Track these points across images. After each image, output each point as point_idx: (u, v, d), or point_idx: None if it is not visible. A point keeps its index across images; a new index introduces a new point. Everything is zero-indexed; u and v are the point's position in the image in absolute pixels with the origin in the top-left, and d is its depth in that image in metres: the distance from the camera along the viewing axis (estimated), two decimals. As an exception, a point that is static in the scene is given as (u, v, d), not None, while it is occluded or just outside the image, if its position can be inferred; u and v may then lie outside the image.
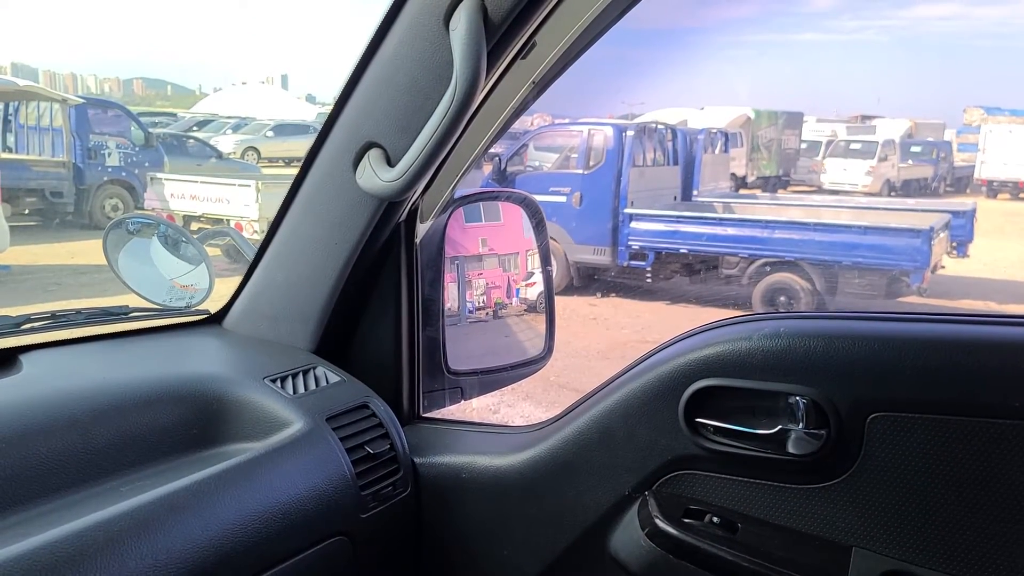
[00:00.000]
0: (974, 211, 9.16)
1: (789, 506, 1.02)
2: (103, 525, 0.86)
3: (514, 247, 1.59)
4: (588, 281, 9.44)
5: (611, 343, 7.18)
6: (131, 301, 1.44)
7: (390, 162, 1.11)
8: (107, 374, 1.16)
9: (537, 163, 9.87)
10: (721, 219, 9.32)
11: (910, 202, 12.40)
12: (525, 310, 1.60)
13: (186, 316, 1.44)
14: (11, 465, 0.92)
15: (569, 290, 9.18)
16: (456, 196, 1.35)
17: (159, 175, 11.20)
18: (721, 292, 8.78)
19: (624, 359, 1.21)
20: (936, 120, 28.19)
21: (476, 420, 1.46)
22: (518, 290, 1.59)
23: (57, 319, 1.26)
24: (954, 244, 8.85)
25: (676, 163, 10.43)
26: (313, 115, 30.89)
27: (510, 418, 4.99)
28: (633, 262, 9.12)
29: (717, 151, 11.94)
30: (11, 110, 12.82)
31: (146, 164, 12.40)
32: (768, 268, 8.37)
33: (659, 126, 10.62)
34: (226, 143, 19.94)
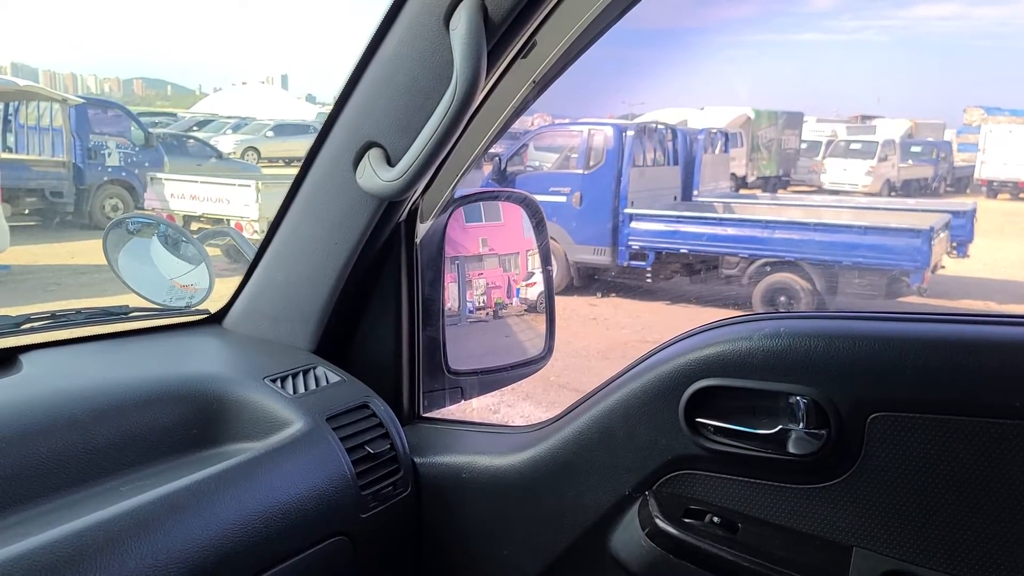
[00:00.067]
0: (974, 211, 9.16)
1: (790, 506, 1.02)
2: (103, 525, 0.86)
3: (514, 247, 1.59)
4: (588, 281, 9.44)
5: (611, 343, 7.18)
6: (131, 301, 1.44)
7: (390, 162, 1.11)
8: (107, 374, 1.16)
9: (537, 163, 9.87)
10: (721, 219, 9.32)
11: (910, 202, 12.40)
12: (525, 310, 1.60)
13: (186, 316, 1.44)
14: (11, 465, 0.92)
15: (569, 290, 9.18)
16: (456, 196, 1.35)
17: (159, 175, 11.20)
18: (721, 292, 8.78)
19: (624, 359, 1.21)
20: (936, 120, 28.20)
21: (476, 420, 1.46)
22: (518, 290, 1.59)
23: (57, 319, 1.26)
24: (954, 244, 8.85)
25: (676, 163, 10.43)
26: (313, 115, 30.89)
27: (510, 418, 4.99)
28: (633, 262, 9.12)
29: (717, 151, 11.94)
30: (11, 110, 12.82)
31: (146, 164, 12.41)
32: (768, 268, 8.38)
33: (659, 126, 10.62)
34: (226, 143, 19.94)
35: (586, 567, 1.17)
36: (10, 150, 12.68)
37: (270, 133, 22.71)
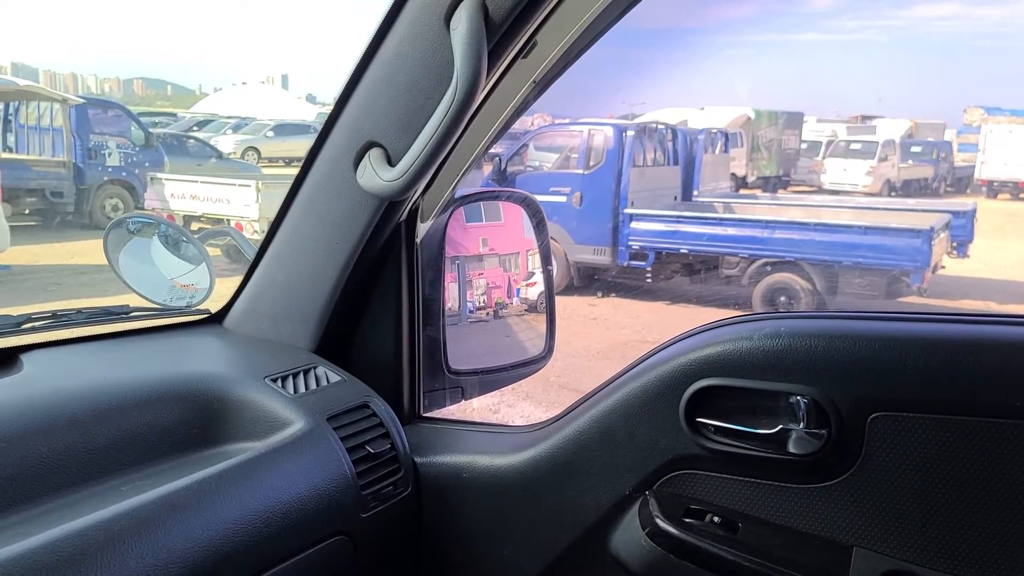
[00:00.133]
0: (974, 211, 9.16)
1: (790, 506, 1.02)
2: (104, 524, 0.86)
3: (515, 247, 1.59)
4: (588, 281, 9.44)
5: (611, 343, 7.18)
6: (132, 301, 1.44)
7: (391, 162, 1.11)
8: (108, 373, 1.16)
9: (537, 163, 9.87)
10: (721, 219, 9.32)
11: (910, 202, 12.40)
12: (526, 310, 1.60)
13: (187, 316, 1.44)
14: (12, 464, 0.92)
15: (569, 290, 9.18)
16: (457, 196, 1.35)
17: (159, 175, 11.20)
18: (721, 292, 8.78)
19: (624, 359, 1.21)
20: (936, 120, 28.20)
21: (477, 420, 1.46)
22: (519, 290, 1.59)
23: (58, 318, 1.26)
24: (954, 244, 8.85)
25: (676, 163, 10.43)
26: (313, 115, 30.90)
27: (510, 418, 4.99)
28: (633, 262, 9.12)
29: (717, 151, 11.94)
30: (11, 110, 12.83)
31: (146, 164, 12.41)
32: (768, 268, 8.37)
33: (659, 126, 10.62)
34: (226, 143, 19.94)
35: (586, 567, 1.17)
36: (10, 150, 12.69)
37: (270, 133, 22.71)
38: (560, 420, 1.22)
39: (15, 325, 1.22)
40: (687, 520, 1.09)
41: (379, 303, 1.33)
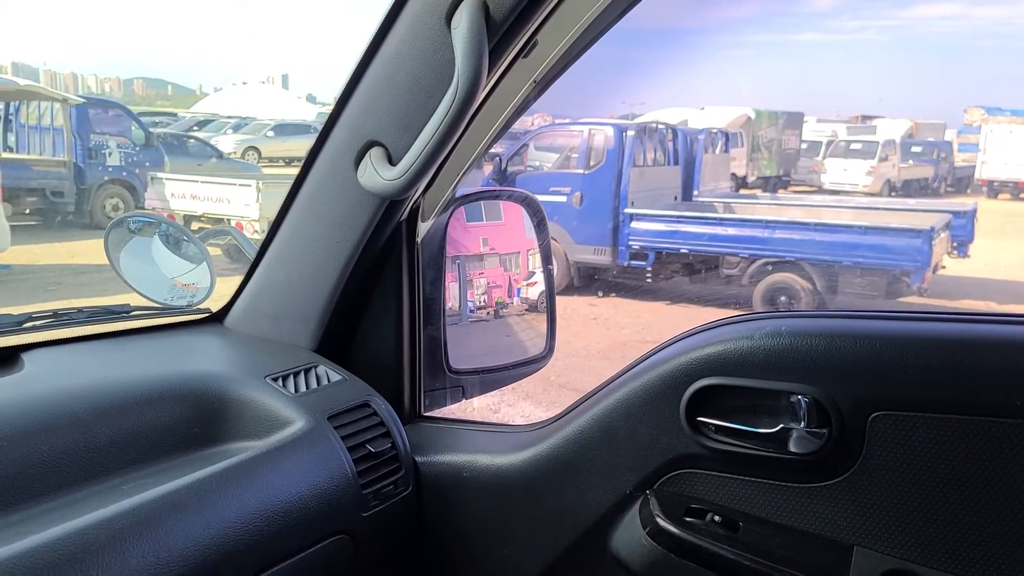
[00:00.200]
0: (974, 211, 9.16)
1: (791, 505, 1.02)
2: (105, 523, 0.86)
3: (515, 246, 1.59)
4: (588, 281, 9.44)
5: (611, 343, 7.18)
6: (132, 300, 1.44)
7: (391, 161, 1.11)
8: (108, 372, 1.16)
9: (537, 163, 9.87)
10: (722, 219, 9.32)
11: (911, 202, 12.39)
12: (526, 309, 1.60)
13: (187, 315, 1.44)
14: (13, 463, 0.92)
15: (569, 290, 9.18)
16: (457, 195, 1.35)
17: (160, 175, 11.21)
18: (722, 292, 8.78)
19: (624, 359, 1.21)
20: (937, 120, 28.19)
21: (477, 419, 1.46)
22: (519, 289, 1.59)
23: (59, 317, 1.26)
24: (955, 244, 8.84)
25: (676, 163, 10.43)
26: (313, 115, 30.91)
27: (510, 417, 4.99)
28: (633, 262, 9.12)
29: (717, 151, 11.94)
30: (12, 110, 12.84)
31: (147, 164, 12.41)
32: (769, 268, 8.37)
33: (659, 126, 10.62)
34: (226, 143, 19.94)
35: (587, 566, 1.17)
36: (11, 150, 12.69)
37: (270, 133, 22.71)
38: (561, 419, 1.22)
39: (16, 324, 1.22)
40: (688, 519, 1.09)
41: (380, 302, 1.33)
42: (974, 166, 22.35)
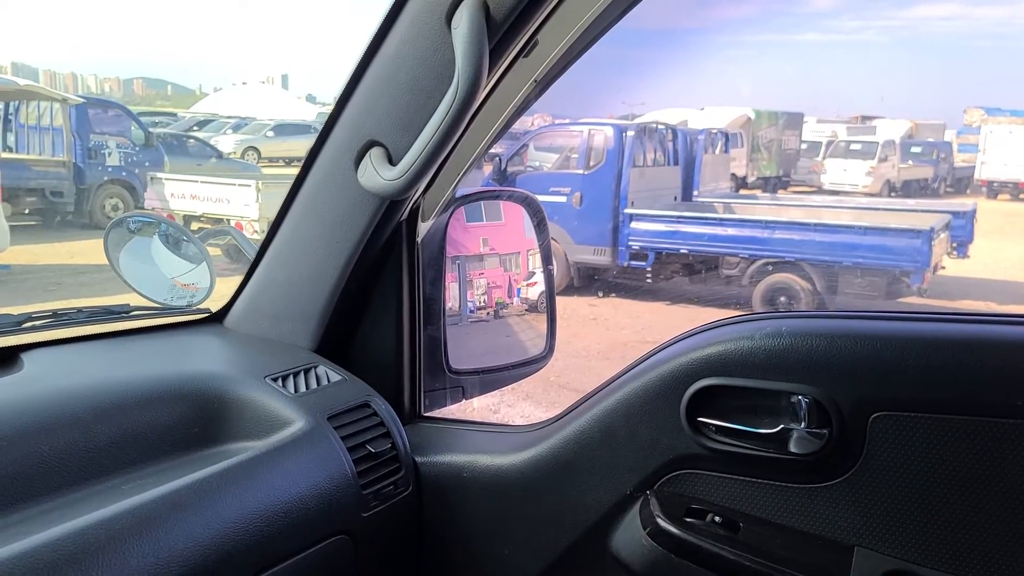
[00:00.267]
0: (974, 212, 9.16)
1: (791, 505, 1.02)
2: (105, 523, 0.86)
3: (515, 247, 1.59)
4: (588, 281, 9.44)
5: (611, 343, 7.18)
6: (132, 300, 1.44)
7: (392, 161, 1.11)
8: (108, 372, 1.16)
9: (537, 163, 9.87)
10: (721, 219, 9.32)
11: (910, 203, 12.39)
12: (526, 310, 1.60)
13: (187, 315, 1.44)
14: (12, 463, 0.92)
15: (569, 290, 9.18)
16: (457, 195, 1.35)
17: (159, 175, 11.20)
18: (721, 292, 8.78)
19: (624, 359, 1.21)
20: (936, 121, 28.18)
21: (477, 419, 1.46)
22: (519, 290, 1.59)
23: (58, 317, 1.26)
24: (954, 245, 8.85)
25: (676, 163, 10.43)
26: (313, 115, 30.90)
27: (510, 418, 4.99)
28: (633, 262, 9.12)
29: (717, 151, 11.94)
30: (11, 109, 12.83)
31: (146, 164, 12.41)
32: (769, 268, 8.38)
33: (659, 126, 10.62)
34: (226, 143, 19.94)
35: (587, 567, 1.17)
36: (10, 150, 12.68)
37: (270, 133, 22.71)
38: (561, 420, 1.22)
39: (16, 324, 1.22)
40: (688, 520, 1.09)
41: (380, 302, 1.33)
42: (974, 167, 22.35)
